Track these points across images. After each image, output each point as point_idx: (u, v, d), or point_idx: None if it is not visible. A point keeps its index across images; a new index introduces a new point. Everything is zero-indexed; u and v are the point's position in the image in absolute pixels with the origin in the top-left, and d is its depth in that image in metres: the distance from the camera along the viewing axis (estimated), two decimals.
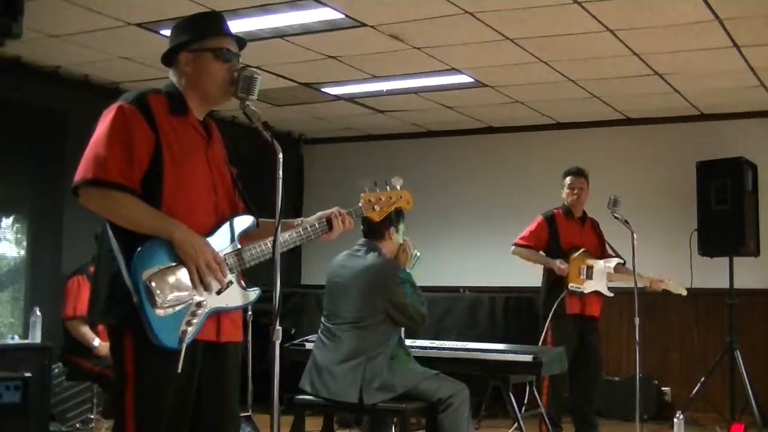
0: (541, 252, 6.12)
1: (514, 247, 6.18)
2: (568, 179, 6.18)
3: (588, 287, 5.96)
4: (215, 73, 2.83)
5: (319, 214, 3.05)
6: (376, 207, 3.17)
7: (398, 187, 3.21)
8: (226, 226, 2.82)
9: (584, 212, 6.26)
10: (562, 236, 6.08)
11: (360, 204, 3.16)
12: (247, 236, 2.88)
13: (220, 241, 2.78)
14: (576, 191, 6.14)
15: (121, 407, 2.66)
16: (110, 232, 2.67)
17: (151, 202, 2.66)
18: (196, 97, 2.85)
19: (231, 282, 2.77)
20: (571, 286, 5.91)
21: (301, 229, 2.96)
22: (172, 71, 2.89)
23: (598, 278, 6.00)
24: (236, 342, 2.89)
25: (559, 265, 5.94)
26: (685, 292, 6.17)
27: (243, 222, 2.87)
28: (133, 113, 2.67)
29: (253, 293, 2.85)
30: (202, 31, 2.87)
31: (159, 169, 2.68)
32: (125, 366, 2.65)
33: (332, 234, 3.03)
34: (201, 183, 2.79)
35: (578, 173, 6.17)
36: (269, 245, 2.80)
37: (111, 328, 2.71)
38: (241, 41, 2.96)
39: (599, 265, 6.02)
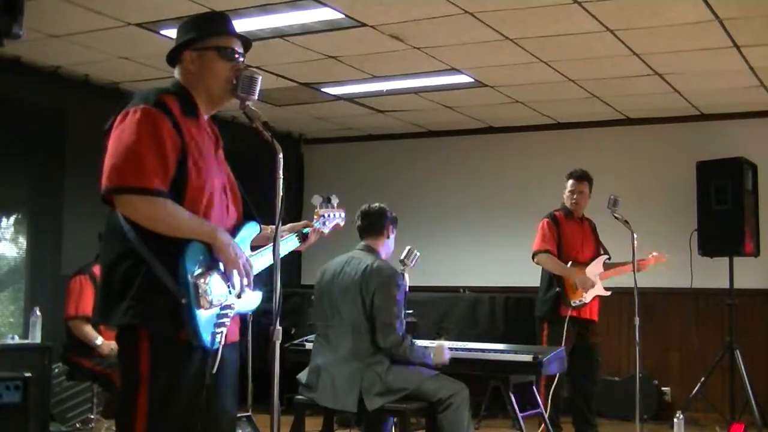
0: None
1: (538, 255, 6.02)
2: (569, 182, 6.17)
3: (588, 296, 5.96)
4: (219, 72, 2.83)
5: (290, 225, 3.24)
6: (326, 223, 3.43)
7: (335, 206, 3.50)
8: (243, 232, 2.87)
9: (582, 213, 6.26)
10: (564, 238, 6.07)
11: (317, 219, 3.40)
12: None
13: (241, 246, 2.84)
14: (575, 196, 6.13)
15: (132, 409, 2.62)
16: (133, 235, 2.61)
17: None
18: (201, 96, 2.84)
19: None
20: (573, 302, 5.89)
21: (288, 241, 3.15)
22: (176, 71, 2.88)
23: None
24: (236, 341, 2.92)
25: (585, 281, 5.93)
26: (666, 258, 6.27)
27: (251, 229, 2.93)
28: (159, 117, 2.65)
29: (259, 298, 2.92)
30: (207, 30, 2.87)
31: (184, 173, 2.67)
32: (140, 367, 2.62)
33: (303, 247, 3.29)
34: (216, 187, 2.80)
35: (580, 178, 6.15)
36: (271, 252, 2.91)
37: (124, 329, 2.67)
38: (246, 42, 2.97)
39: (590, 271, 6.03)
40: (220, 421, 2.84)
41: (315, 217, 3.37)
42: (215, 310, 2.66)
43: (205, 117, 2.89)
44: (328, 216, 3.41)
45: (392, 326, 4.37)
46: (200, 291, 2.60)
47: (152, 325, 2.62)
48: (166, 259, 2.59)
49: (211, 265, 2.68)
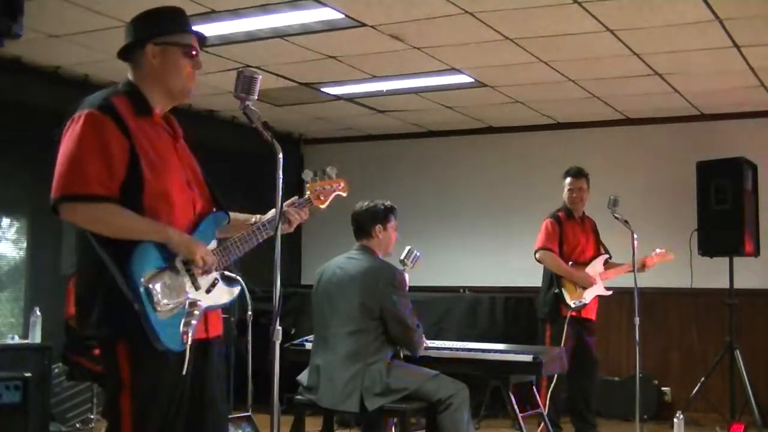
0: None
1: (540, 252, 6.03)
2: (567, 180, 6.18)
3: (588, 296, 5.96)
4: (181, 68, 2.83)
5: (273, 210, 3.09)
6: (321, 197, 3.27)
7: (333, 176, 3.33)
8: (204, 225, 2.84)
9: (583, 212, 6.27)
10: (566, 238, 6.08)
11: (308, 194, 3.24)
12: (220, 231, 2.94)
13: (202, 240, 2.81)
14: (575, 193, 6.14)
15: (117, 413, 2.65)
16: (95, 243, 2.63)
17: (132, 208, 2.64)
18: (159, 92, 2.83)
19: (217, 280, 2.81)
20: (573, 303, 5.90)
21: (260, 226, 2.99)
22: (131, 65, 2.85)
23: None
24: (219, 335, 2.92)
25: (586, 278, 5.94)
26: (672, 256, 6.29)
27: (218, 220, 2.90)
28: (104, 121, 2.64)
29: (236, 289, 2.89)
30: (169, 26, 2.84)
31: (138, 175, 2.66)
32: (121, 373, 2.63)
33: (291, 226, 3.10)
34: (177, 182, 2.78)
35: (577, 174, 6.17)
36: (244, 241, 2.89)
37: (104, 336, 2.69)
38: (202, 39, 2.94)
39: (591, 271, 6.03)
40: (211, 412, 2.84)
41: (307, 193, 3.25)
42: (177, 310, 2.64)
43: (161, 113, 2.86)
44: (323, 189, 3.29)
45: (406, 322, 4.41)
46: (152, 294, 2.58)
47: (124, 334, 2.62)
48: (120, 264, 2.58)
49: (165, 265, 2.66)
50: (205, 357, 2.81)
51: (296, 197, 3.18)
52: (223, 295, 2.84)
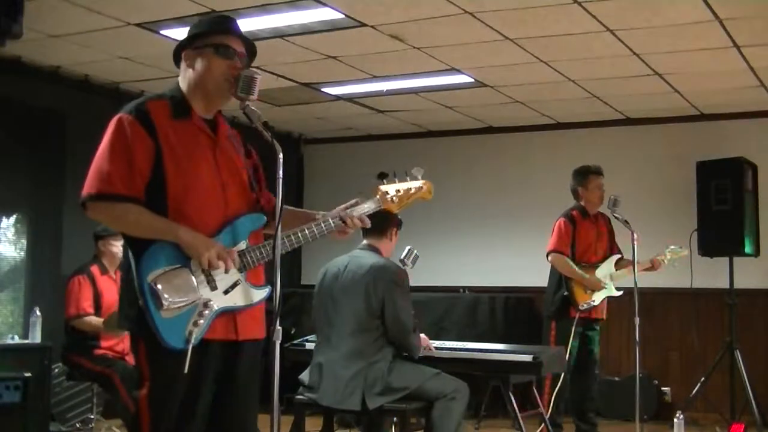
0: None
1: (552, 255, 5.99)
2: (595, 177, 6.12)
3: (597, 298, 5.95)
4: (215, 69, 2.83)
5: (340, 208, 3.00)
6: (394, 199, 3.08)
7: (419, 177, 3.12)
8: (231, 227, 2.82)
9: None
10: (579, 238, 6.06)
11: (377, 196, 3.07)
12: (256, 233, 2.89)
13: (225, 241, 2.79)
14: (602, 190, 6.13)
15: (137, 406, 2.74)
16: (125, 242, 2.76)
17: (157, 208, 2.70)
18: (198, 94, 2.85)
19: (239, 281, 2.79)
20: (582, 305, 5.88)
21: (322, 224, 2.93)
22: (180, 71, 2.92)
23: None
24: (256, 339, 2.88)
25: (595, 284, 5.93)
26: (686, 252, 6.28)
27: (252, 221, 2.88)
28: (131, 124, 2.71)
29: (262, 292, 2.85)
30: (207, 29, 2.89)
31: (162, 176, 2.71)
32: (142, 368, 2.73)
33: (348, 232, 2.99)
34: (208, 185, 2.79)
35: (600, 171, 6.16)
36: (283, 243, 2.81)
37: (130, 332, 2.80)
38: (249, 45, 2.95)
39: (601, 272, 6.02)
40: (236, 416, 2.85)
41: (377, 194, 3.07)
42: (185, 309, 2.65)
43: (206, 115, 2.87)
44: (399, 191, 3.07)
45: (404, 324, 4.40)
46: (156, 292, 2.62)
47: (140, 330, 2.69)
48: (137, 262, 2.68)
49: (178, 265, 2.68)
50: (234, 360, 2.81)
51: (357, 200, 3.00)
52: (244, 297, 2.80)
